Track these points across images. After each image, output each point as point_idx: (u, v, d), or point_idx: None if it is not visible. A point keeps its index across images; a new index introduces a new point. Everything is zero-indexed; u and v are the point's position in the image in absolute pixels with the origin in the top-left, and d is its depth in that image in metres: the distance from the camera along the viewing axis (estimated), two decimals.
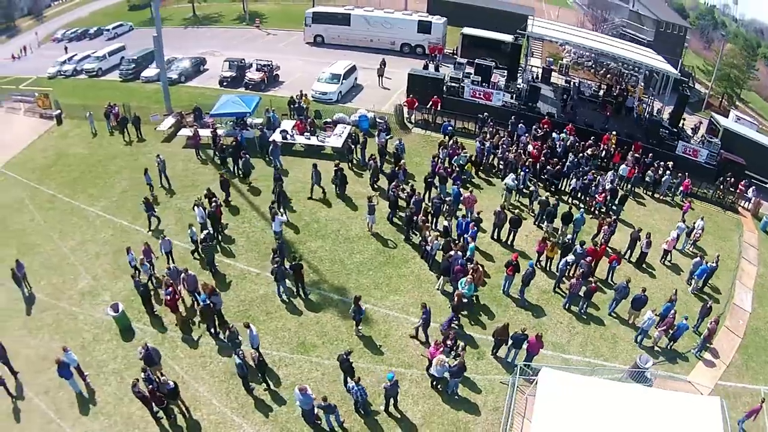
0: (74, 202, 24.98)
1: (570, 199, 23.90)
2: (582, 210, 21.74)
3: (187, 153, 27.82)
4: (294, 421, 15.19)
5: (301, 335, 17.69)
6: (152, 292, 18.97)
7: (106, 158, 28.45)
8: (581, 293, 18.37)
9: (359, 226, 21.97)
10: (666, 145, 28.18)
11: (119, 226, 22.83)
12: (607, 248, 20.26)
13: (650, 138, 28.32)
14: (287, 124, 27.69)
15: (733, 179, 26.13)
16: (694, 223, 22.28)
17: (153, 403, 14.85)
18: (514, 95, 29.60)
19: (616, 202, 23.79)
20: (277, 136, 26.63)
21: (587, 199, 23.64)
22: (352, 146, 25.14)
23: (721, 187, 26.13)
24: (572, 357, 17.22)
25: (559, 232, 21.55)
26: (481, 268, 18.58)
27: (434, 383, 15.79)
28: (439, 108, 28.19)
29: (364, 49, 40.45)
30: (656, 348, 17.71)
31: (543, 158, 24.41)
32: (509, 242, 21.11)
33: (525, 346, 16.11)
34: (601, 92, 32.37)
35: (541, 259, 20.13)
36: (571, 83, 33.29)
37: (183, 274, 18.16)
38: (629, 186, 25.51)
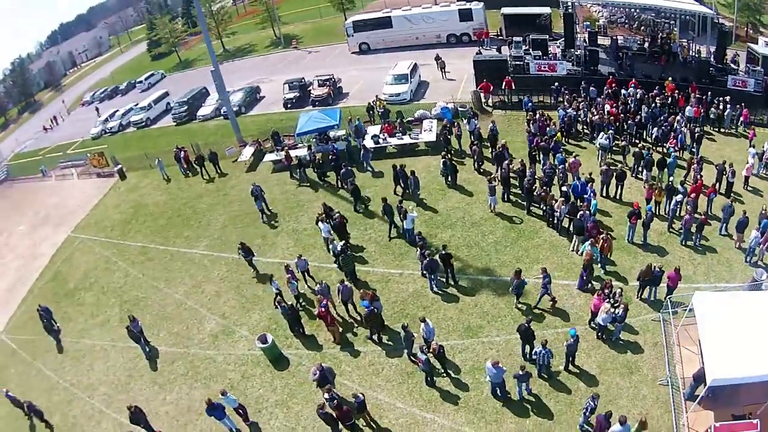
0: (171, 248, 24.96)
1: (653, 147, 25.65)
2: (673, 154, 23.64)
3: (278, 177, 28.45)
4: (485, 402, 15.52)
5: (464, 320, 18.17)
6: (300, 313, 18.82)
7: (190, 199, 28.73)
8: (693, 229, 20.01)
9: (480, 209, 22.99)
10: (717, 81, 29.66)
11: (232, 261, 22.75)
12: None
13: (702, 78, 30.04)
14: (373, 130, 29.15)
15: None
16: (763, 146, 23.69)
17: (340, 422, 14.62)
18: (573, 62, 31.46)
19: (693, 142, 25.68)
20: (369, 142, 27.98)
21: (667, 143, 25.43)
22: (449, 137, 26.52)
23: None
24: (701, 285, 18.10)
25: (658, 178, 23.59)
26: (609, 237, 19.21)
27: (599, 334, 16.68)
28: (513, 87, 30.10)
29: (410, 48, 41.85)
30: (760, 263, 18.59)
31: (622, 115, 26.49)
32: (617, 196, 22.73)
33: (666, 282, 17.44)
34: (646, 44, 34.24)
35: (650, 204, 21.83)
36: (617, 40, 35.04)
37: (339, 285, 18.28)
38: (698, 125, 27.34)
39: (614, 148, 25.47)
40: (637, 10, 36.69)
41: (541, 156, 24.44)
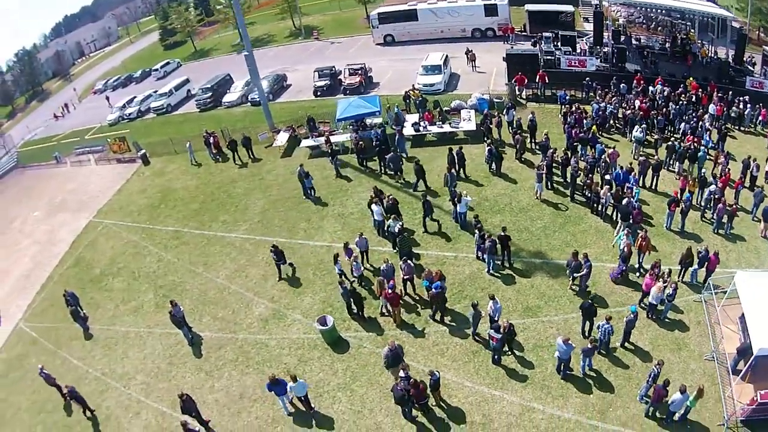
0: (207, 232, 24.47)
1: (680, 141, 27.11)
2: (703, 148, 24.94)
3: (317, 162, 28.45)
4: (550, 378, 15.99)
5: (523, 301, 18.62)
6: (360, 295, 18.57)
7: (224, 184, 28.41)
8: (724, 219, 21.31)
9: (526, 196, 23.75)
10: (736, 82, 31.03)
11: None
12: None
13: (722, 78, 31.46)
14: (412, 118, 29.88)
15: None
16: None
17: (415, 400, 14.69)
18: (601, 59, 32.71)
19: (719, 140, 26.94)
20: (409, 130, 28.78)
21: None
22: (490, 126, 27.42)
23: None
24: (734, 270, 18.24)
25: (689, 170, 24.85)
26: (648, 237, 19.60)
27: (649, 313, 17.54)
28: (546, 81, 31.26)
29: (435, 41, 42.46)
30: None
31: (652, 111, 27.81)
32: (653, 186, 23.99)
33: (706, 264, 18.56)
34: (667, 45, 35.69)
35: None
36: (639, 40, 36.50)
37: (402, 265, 18.43)
38: (720, 123, 28.70)
39: (645, 141, 26.55)
40: (657, 11, 38.23)
41: (580, 147, 25.60)
